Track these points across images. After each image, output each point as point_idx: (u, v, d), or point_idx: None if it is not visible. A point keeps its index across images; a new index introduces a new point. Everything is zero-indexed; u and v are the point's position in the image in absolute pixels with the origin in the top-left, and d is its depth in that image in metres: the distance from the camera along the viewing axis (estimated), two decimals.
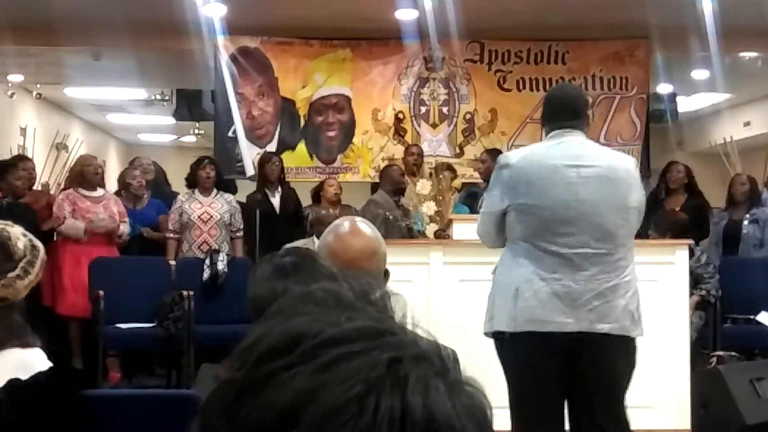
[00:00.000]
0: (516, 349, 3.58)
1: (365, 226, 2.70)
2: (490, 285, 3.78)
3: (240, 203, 7.76)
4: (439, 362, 0.71)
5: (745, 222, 7.65)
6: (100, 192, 7.24)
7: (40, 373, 2.16)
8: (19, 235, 2.43)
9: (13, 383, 2.12)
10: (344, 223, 2.69)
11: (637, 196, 3.67)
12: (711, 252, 7.74)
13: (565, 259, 3.53)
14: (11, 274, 2.36)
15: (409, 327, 0.75)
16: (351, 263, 2.47)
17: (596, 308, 3.51)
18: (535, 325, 3.51)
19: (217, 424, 0.71)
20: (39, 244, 2.47)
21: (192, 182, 7.60)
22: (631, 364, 3.65)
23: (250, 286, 2.27)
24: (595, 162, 3.61)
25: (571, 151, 3.62)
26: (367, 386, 0.67)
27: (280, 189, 7.89)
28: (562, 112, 3.72)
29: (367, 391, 0.66)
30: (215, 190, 7.54)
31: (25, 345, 2.32)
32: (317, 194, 8.12)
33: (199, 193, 7.50)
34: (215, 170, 7.59)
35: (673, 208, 7.49)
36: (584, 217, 3.54)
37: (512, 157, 3.70)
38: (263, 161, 8.01)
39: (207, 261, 7.10)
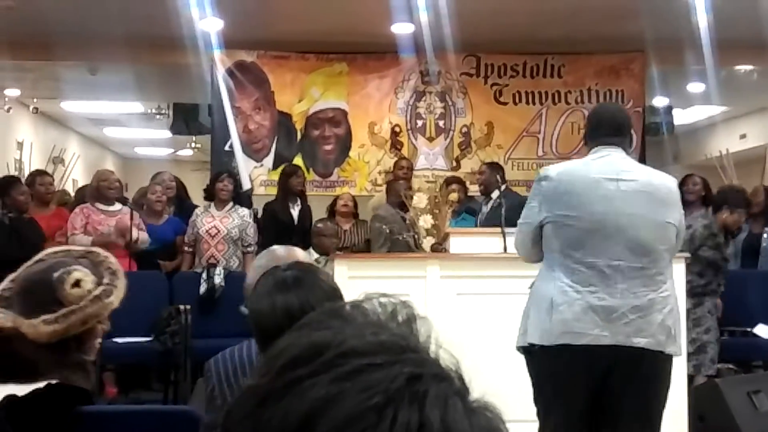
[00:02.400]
0: (549, 362, 3.54)
1: (299, 250, 2.78)
2: (526, 299, 3.73)
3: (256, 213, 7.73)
4: (459, 383, 0.72)
5: (765, 235, 7.65)
6: (117, 206, 7.20)
7: (37, 389, 2.15)
8: (81, 281, 2.31)
9: (10, 398, 2.11)
10: (280, 248, 2.77)
11: (676, 215, 3.65)
12: (729, 265, 7.76)
13: (601, 271, 3.50)
14: (43, 317, 2.26)
15: (433, 348, 0.75)
16: None
17: (632, 322, 3.48)
18: (570, 337, 3.47)
19: (241, 428, 0.72)
20: (108, 298, 2.34)
21: (210, 195, 7.60)
22: (666, 384, 3.62)
23: (250, 300, 2.28)
24: (635, 177, 3.61)
25: (612, 166, 3.62)
26: (386, 397, 0.67)
27: (299, 202, 7.90)
28: (603, 128, 3.74)
29: (385, 402, 0.67)
30: (231, 204, 7.52)
31: (65, 380, 2.28)
32: (332, 209, 8.12)
33: (213, 207, 7.49)
34: (233, 184, 7.59)
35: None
36: (622, 231, 3.52)
37: (552, 169, 3.69)
38: (287, 172, 8.02)
39: (204, 275, 7.09)
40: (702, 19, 7.52)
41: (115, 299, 2.39)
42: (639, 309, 3.49)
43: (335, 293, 2.26)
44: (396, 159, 8.75)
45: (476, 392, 0.73)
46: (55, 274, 2.29)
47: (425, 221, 6.67)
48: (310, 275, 2.28)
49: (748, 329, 6.90)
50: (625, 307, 3.48)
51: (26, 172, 9.84)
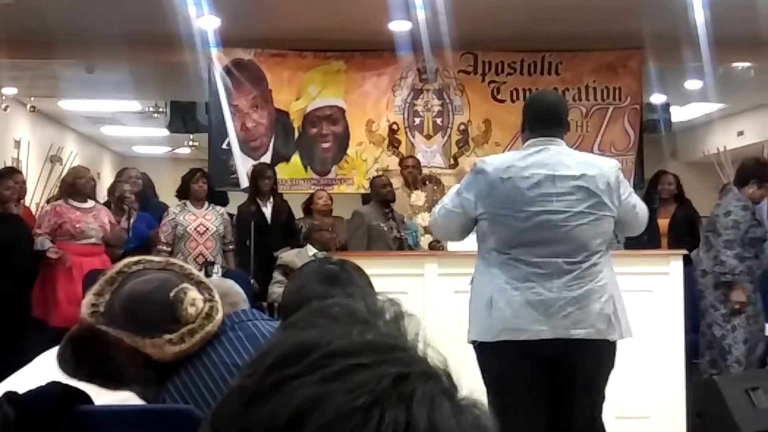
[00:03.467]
0: (493, 358, 3.57)
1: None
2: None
3: (230, 214, 7.74)
4: (446, 381, 0.72)
5: None
6: (90, 203, 7.20)
7: (36, 387, 2.16)
8: (197, 300, 2.33)
9: (10, 395, 2.11)
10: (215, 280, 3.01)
11: (615, 202, 3.62)
12: None
13: (538, 267, 3.53)
14: (166, 336, 2.28)
15: (421, 346, 0.75)
16: None
17: (570, 314, 3.50)
18: (510, 334, 3.51)
19: (228, 429, 0.72)
20: (217, 314, 2.36)
21: (183, 194, 7.57)
22: (608, 367, 3.64)
23: (289, 289, 2.32)
24: (572, 172, 3.59)
25: (548, 161, 3.60)
26: (372, 398, 0.68)
27: (272, 200, 7.87)
28: (542, 120, 3.70)
29: (372, 402, 0.67)
30: (207, 203, 7.53)
31: (142, 395, 2.29)
32: (308, 207, 8.12)
33: (191, 205, 7.48)
34: (207, 183, 7.58)
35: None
36: (557, 228, 3.54)
37: (489, 164, 3.67)
38: (256, 173, 7.99)
39: (201, 273, 7.07)
40: (699, 16, 7.52)
41: (221, 315, 2.40)
42: (576, 301, 3.51)
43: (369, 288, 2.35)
44: (401, 158, 8.73)
45: (465, 390, 0.73)
46: (172, 294, 2.30)
47: (423, 219, 6.68)
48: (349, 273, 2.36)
49: None
50: (563, 300, 3.50)
51: (24, 171, 9.83)
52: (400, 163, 8.48)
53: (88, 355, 2.25)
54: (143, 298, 2.31)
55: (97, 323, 2.27)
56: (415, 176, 7.96)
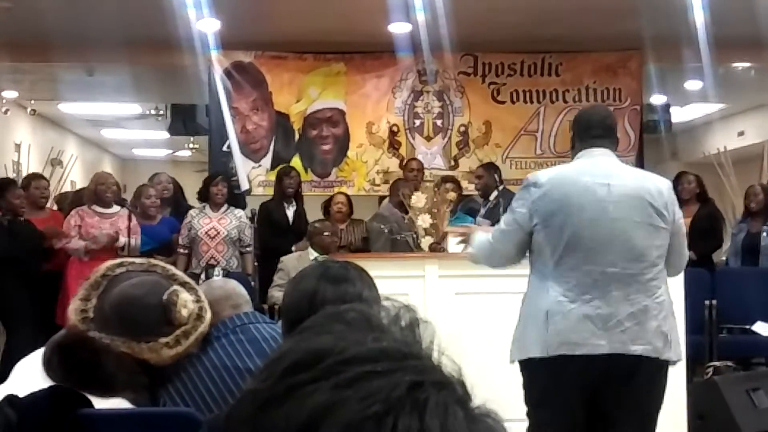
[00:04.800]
0: (544, 374, 3.49)
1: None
2: (517, 311, 3.66)
3: (252, 212, 7.74)
4: (461, 390, 0.72)
5: (764, 234, 7.65)
6: (114, 209, 7.19)
7: (39, 390, 2.16)
8: (188, 301, 2.33)
9: (11, 398, 2.11)
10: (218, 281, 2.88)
11: (669, 218, 3.55)
12: (730, 263, 7.76)
13: (595, 279, 3.44)
14: (162, 340, 2.28)
15: (435, 354, 0.75)
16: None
17: (628, 329, 3.42)
18: (568, 348, 3.41)
19: None
20: (207, 314, 2.37)
21: (204, 197, 7.62)
22: (662, 389, 3.58)
23: (290, 289, 2.35)
24: (626, 181, 3.53)
25: (602, 170, 3.54)
26: (386, 406, 0.67)
27: (295, 204, 7.90)
28: (592, 131, 3.64)
29: (386, 410, 0.67)
30: (226, 206, 7.55)
31: (134, 401, 2.27)
32: (327, 209, 8.11)
33: (209, 209, 7.51)
34: (227, 187, 7.61)
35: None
36: (614, 237, 3.46)
37: (542, 175, 3.60)
38: (282, 174, 8.01)
39: (203, 276, 7.09)
40: (699, 17, 7.52)
41: (209, 315, 2.40)
42: (634, 316, 3.44)
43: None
44: (405, 161, 8.72)
45: (478, 398, 0.73)
46: (164, 297, 2.29)
47: (424, 221, 6.67)
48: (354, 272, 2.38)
49: (747, 327, 6.91)
50: (621, 314, 3.43)
51: (24, 174, 9.83)
52: (405, 167, 8.46)
53: (77, 363, 2.22)
54: (136, 302, 2.29)
55: (88, 329, 2.25)
56: (419, 180, 7.95)
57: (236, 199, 8.01)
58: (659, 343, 3.48)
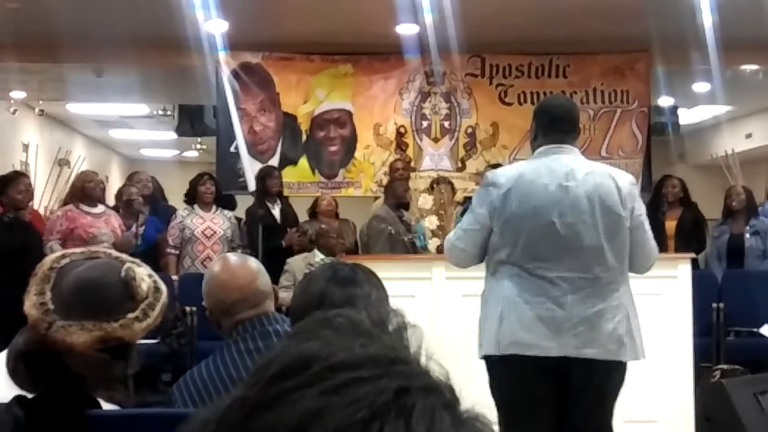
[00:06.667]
0: (501, 373, 3.50)
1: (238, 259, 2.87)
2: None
3: (238, 218, 7.76)
4: (448, 394, 0.72)
5: (747, 235, 7.64)
6: (100, 208, 7.21)
7: (45, 390, 2.16)
8: (144, 276, 2.32)
9: (20, 398, 2.12)
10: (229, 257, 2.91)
11: (628, 214, 3.51)
12: (714, 266, 7.73)
13: (550, 282, 3.44)
14: (131, 315, 2.27)
15: (423, 358, 0.75)
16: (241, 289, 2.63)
17: (581, 334, 3.42)
18: (518, 348, 3.43)
19: None
20: (163, 287, 2.37)
21: (191, 198, 7.60)
22: (618, 386, 3.56)
23: (299, 291, 2.35)
24: (585, 180, 3.48)
25: (561, 170, 3.50)
26: (372, 412, 0.67)
27: (279, 202, 7.90)
28: (557, 124, 3.59)
29: (372, 416, 0.67)
30: (215, 206, 7.56)
31: (109, 398, 2.27)
32: (314, 211, 8.13)
33: (199, 209, 7.52)
34: (215, 186, 7.61)
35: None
36: (572, 240, 3.45)
37: (500, 175, 3.58)
38: (264, 175, 8.01)
39: None
40: (707, 19, 7.51)
41: (164, 287, 2.40)
42: (588, 320, 3.42)
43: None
44: (393, 160, 8.72)
45: (467, 402, 0.73)
46: (122, 273, 2.29)
47: (430, 222, 6.67)
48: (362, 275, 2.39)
49: (755, 329, 6.89)
50: (574, 318, 3.42)
51: (32, 174, 9.85)
52: (390, 170, 8.42)
53: (42, 368, 2.20)
54: (96, 283, 2.27)
55: (52, 321, 2.22)
56: (405, 178, 7.98)
57: (226, 200, 8.01)
58: (613, 346, 3.46)
